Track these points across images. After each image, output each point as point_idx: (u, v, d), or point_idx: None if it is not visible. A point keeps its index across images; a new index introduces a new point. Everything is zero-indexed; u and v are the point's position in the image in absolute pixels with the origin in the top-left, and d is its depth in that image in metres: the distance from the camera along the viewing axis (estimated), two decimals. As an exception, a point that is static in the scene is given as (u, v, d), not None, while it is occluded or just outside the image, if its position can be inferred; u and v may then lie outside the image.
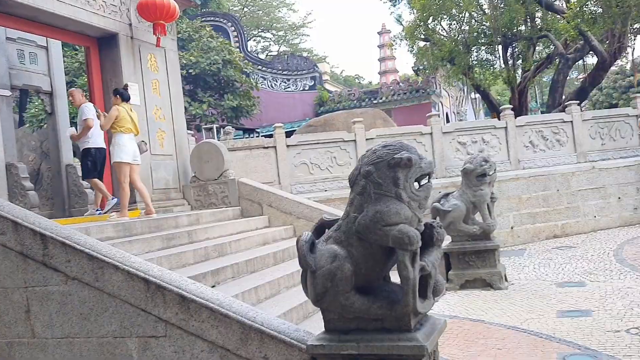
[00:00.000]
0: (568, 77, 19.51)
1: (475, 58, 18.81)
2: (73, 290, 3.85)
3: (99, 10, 7.91)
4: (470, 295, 6.98)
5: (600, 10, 14.71)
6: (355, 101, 24.12)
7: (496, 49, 18.69)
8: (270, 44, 40.61)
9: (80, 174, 8.57)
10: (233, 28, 25.35)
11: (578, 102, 13.23)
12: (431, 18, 17.76)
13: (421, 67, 20.99)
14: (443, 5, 17.00)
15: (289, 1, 38.91)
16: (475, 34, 17.85)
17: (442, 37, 18.26)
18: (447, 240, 7.51)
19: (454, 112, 29.11)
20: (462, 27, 18.05)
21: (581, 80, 19.29)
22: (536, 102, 34.19)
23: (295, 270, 5.39)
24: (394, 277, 2.83)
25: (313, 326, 4.04)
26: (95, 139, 7.58)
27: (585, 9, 14.75)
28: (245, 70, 20.27)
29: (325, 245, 2.88)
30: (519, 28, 17.49)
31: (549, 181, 11.16)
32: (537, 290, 6.86)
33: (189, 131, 10.68)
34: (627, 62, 23.60)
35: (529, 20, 17.56)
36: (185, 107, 12.70)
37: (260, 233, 7.35)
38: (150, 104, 8.57)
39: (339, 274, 2.77)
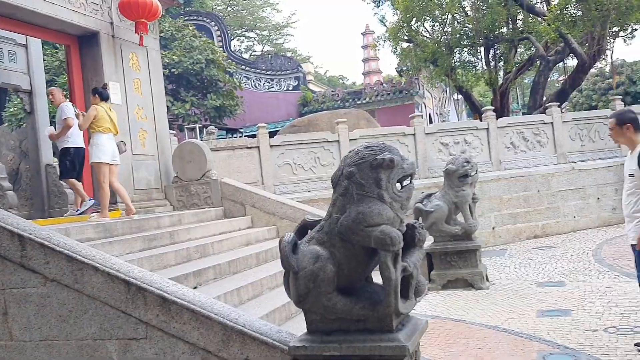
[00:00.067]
0: (549, 79, 19.77)
1: (458, 59, 18.95)
2: (52, 292, 3.79)
3: (80, 8, 7.81)
4: (452, 295, 7.04)
5: (580, 13, 14.93)
6: (339, 102, 24.15)
7: (478, 51, 18.86)
8: (254, 44, 40.52)
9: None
10: (216, 27, 25.21)
11: (558, 103, 13.42)
12: (414, 19, 17.86)
13: (404, 68, 21.09)
14: (426, 6, 17.11)
15: (272, 1, 38.85)
16: (457, 35, 17.99)
17: (425, 38, 18.38)
18: (429, 241, 7.56)
19: (436, 113, 29.31)
20: (445, 29, 18.17)
21: (561, 82, 19.56)
22: (517, 103, 34.59)
23: (278, 271, 5.37)
24: (376, 277, 2.84)
25: (296, 327, 4.04)
26: (75, 139, 7.48)
27: (565, 11, 14.96)
28: (229, 69, 20.17)
29: (307, 246, 2.88)
30: (500, 30, 17.67)
31: (530, 182, 11.30)
32: (517, 290, 6.94)
33: (171, 131, 10.59)
34: (606, 65, 23.94)
35: (510, 22, 17.75)
36: (167, 106, 12.61)
37: (243, 234, 7.32)
38: (132, 103, 8.49)
39: (322, 275, 2.77)
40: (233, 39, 34.88)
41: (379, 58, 34.76)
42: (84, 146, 7.60)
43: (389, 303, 2.69)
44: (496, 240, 10.86)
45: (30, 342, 3.85)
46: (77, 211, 7.44)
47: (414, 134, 11.15)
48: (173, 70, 17.26)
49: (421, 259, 2.99)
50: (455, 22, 18.19)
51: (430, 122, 25.40)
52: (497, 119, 11.80)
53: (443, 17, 17.94)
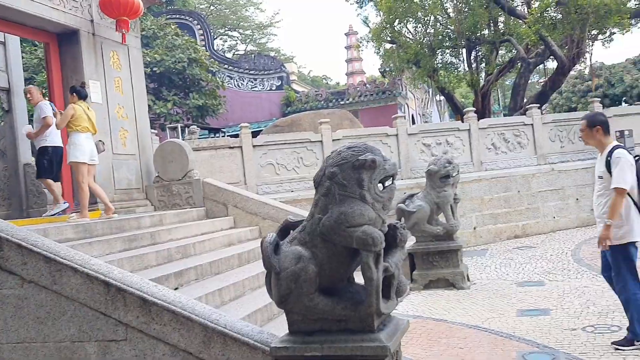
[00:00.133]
0: (529, 81, 19.99)
1: (440, 61, 19.09)
2: (29, 293, 3.74)
3: (59, 5, 7.70)
4: (434, 295, 7.09)
5: (560, 16, 15.14)
6: (322, 102, 24.16)
7: (460, 53, 19.02)
8: (237, 43, 40.35)
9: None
10: (199, 26, 25.04)
11: (539, 105, 13.59)
12: (397, 20, 17.93)
13: (387, 69, 21.16)
14: (409, 8, 17.20)
15: (256, 0, 38.73)
16: (440, 37, 18.12)
17: (408, 39, 18.47)
18: (411, 241, 7.61)
19: (419, 114, 29.48)
20: (428, 30, 18.29)
21: (542, 84, 19.82)
22: (499, 105, 34.99)
23: (260, 271, 5.36)
24: (358, 278, 2.85)
25: (278, 328, 4.03)
26: (53, 138, 7.36)
27: (545, 14, 15.15)
28: (211, 69, 20.06)
29: (289, 247, 2.87)
30: (482, 32, 17.84)
31: (510, 182, 11.43)
32: (498, 290, 7.01)
33: (152, 130, 10.50)
34: (585, 67, 24.35)
35: (492, 24, 17.92)
36: (149, 105, 12.50)
37: (225, 234, 7.28)
38: (113, 102, 8.39)
39: (303, 276, 2.77)
40: (216, 38, 34.69)
41: (363, 59, 34.87)
42: (62, 145, 7.49)
43: (371, 303, 2.69)
44: (477, 240, 10.96)
45: (7, 344, 3.79)
46: (48, 213, 7.30)
47: (396, 135, 11.20)
48: (155, 69, 17.11)
49: (403, 259, 3.00)
50: (438, 24, 18.31)
51: (413, 122, 25.54)
52: (478, 120, 11.91)
53: (426, 18, 18.05)
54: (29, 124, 8.89)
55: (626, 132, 11.82)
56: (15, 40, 9.69)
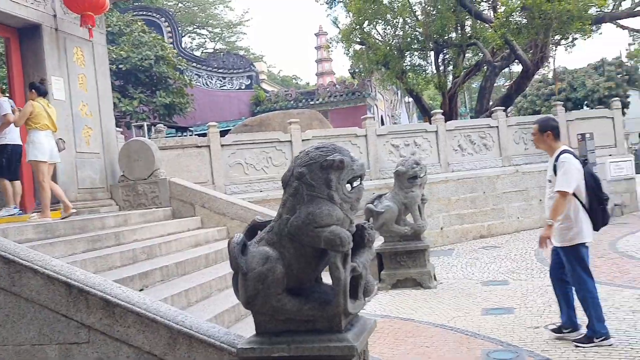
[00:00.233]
0: (495, 84, 20.37)
1: (409, 63, 19.30)
2: (-14, 296, 3.61)
3: (21, -1, 7.47)
4: (401, 295, 7.15)
5: (525, 21, 15.47)
6: (292, 102, 24.11)
7: (428, 55, 19.27)
8: (205, 41, 39.90)
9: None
10: (167, 23, 24.66)
11: (504, 108, 13.87)
12: (367, 22, 18.05)
13: (357, 70, 21.27)
14: (378, 10, 17.33)
15: (225, -2, 38.37)
16: (408, 39, 18.30)
17: (377, 41, 18.60)
18: (379, 241, 7.66)
19: (388, 115, 29.73)
20: (396, 33, 18.45)
21: (507, 87, 20.22)
22: (465, 107, 35.56)
23: (228, 272, 5.30)
24: (326, 278, 2.85)
25: (245, 329, 4.00)
26: (12, 136, 7.10)
27: (511, 19, 15.46)
28: (179, 66, 19.78)
29: (257, 247, 2.86)
30: (449, 35, 18.10)
31: (476, 184, 11.63)
32: (464, 289, 7.12)
33: (118, 129, 10.28)
34: (549, 72, 24.94)
35: (459, 28, 18.20)
36: (114, 103, 12.23)
37: (192, 234, 7.18)
38: (76, 99, 8.19)
39: (271, 276, 2.75)
40: (184, 36, 34.25)
41: (332, 59, 34.84)
42: (21, 143, 7.25)
43: (338, 303, 2.70)
44: (444, 240, 11.12)
45: (-38, 349, 3.65)
46: (15, 208, 7.05)
47: (365, 136, 11.26)
48: (121, 66, 16.77)
49: (370, 259, 3.02)
50: (407, 26, 18.50)
51: (382, 124, 25.74)
52: (445, 122, 12.08)
53: (394, 20, 18.22)
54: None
55: (587, 135, 12.17)
56: (-27, 34, 9.37)
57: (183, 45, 26.91)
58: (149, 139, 10.36)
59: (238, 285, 2.89)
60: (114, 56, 16.14)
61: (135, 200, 8.31)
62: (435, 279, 7.63)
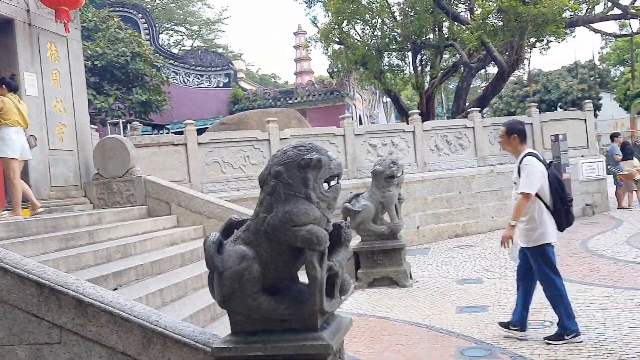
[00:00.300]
0: (472, 85, 20.62)
1: (387, 63, 19.40)
2: (-46, 296, 3.52)
3: (-8, -8, 7.30)
4: (378, 293, 7.19)
5: (501, 23, 15.68)
6: (270, 100, 24.03)
7: (406, 56, 19.39)
8: (183, 39, 39.51)
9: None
10: (144, 20, 24.35)
11: (480, 109, 14.04)
12: (345, 22, 18.09)
13: (336, 70, 21.31)
14: (357, 10, 17.38)
15: (203, -4, 38.04)
16: (387, 39, 18.40)
17: (355, 41, 18.66)
18: (356, 240, 7.69)
19: (366, 115, 29.85)
20: (375, 33, 18.55)
21: (483, 88, 20.48)
22: (442, 108, 35.91)
23: (204, 271, 5.24)
24: (303, 277, 2.85)
25: (221, 328, 3.98)
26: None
27: (487, 21, 15.66)
28: (156, 64, 19.54)
29: (233, 246, 2.84)
30: (427, 36, 18.25)
31: (452, 183, 11.75)
32: (439, 288, 7.20)
33: (93, 126, 10.11)
34: (524, 73, 25.36)
35: (437, 29, 18.36)
36: (89, 100, 12.05)
37: (167, 233, 7.11)
38: (50, 95, 8.04)
39: (247, 275, 2.74)
40: (161, 33, 33.83)
41: (311, 58, 34.86)
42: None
43: (314, 302, 2.70)
44: (420, 239, 11.21)
45: None
46: None
47: (343, 135, 11.29)
48: (96, 62, 16.50)
49: (347, 258, 3.03)
50: (385, 27, 18.60)
51: (360, 123, 25.84)
52: (423, 123, 12.18)
53: (373, 21, 18.31)
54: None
55: (560, 137, 12.38)
56: (-58, 27, 9.12)
57: (160, 43, 26.60)
58: (125, 136, 10.21)
59: (214, 285, 2.87)
60: (90, 52, 15.88)
61: (110, 198, 8.19)
62: (411, 277, 7.69)
